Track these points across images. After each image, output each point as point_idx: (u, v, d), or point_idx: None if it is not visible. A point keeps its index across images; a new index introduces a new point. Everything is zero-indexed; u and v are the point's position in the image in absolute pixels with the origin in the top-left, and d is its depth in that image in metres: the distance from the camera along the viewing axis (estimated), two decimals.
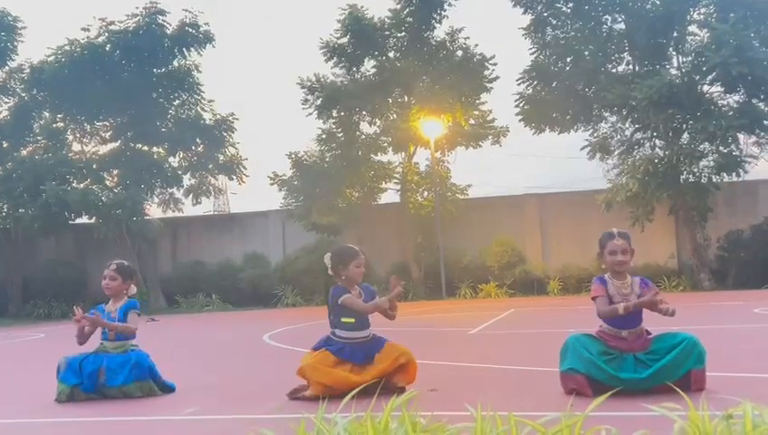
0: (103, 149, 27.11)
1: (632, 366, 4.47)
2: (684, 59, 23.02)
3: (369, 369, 5.01)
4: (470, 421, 2.68)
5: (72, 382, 5.32)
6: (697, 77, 22.18)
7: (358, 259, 5.26)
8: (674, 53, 23.42)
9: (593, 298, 4.65)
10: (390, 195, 26.40)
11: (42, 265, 25.88)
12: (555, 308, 15.74)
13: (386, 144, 25.45)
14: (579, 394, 4.38)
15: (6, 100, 26.50)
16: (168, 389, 5.54)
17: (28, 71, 25.70)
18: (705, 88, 22.48)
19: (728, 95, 22.16)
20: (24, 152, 26.32)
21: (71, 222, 24.77)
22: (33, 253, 26.36)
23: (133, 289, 5.72)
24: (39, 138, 26.62)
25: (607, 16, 24.16)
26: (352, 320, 5.09)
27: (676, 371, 4.43)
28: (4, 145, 26.12)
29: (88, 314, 5.46)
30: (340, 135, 25.58)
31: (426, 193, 25.99)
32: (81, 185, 25.25)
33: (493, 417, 2.63)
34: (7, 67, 26.10)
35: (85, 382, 5.31)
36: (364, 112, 25.82)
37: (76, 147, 27.18)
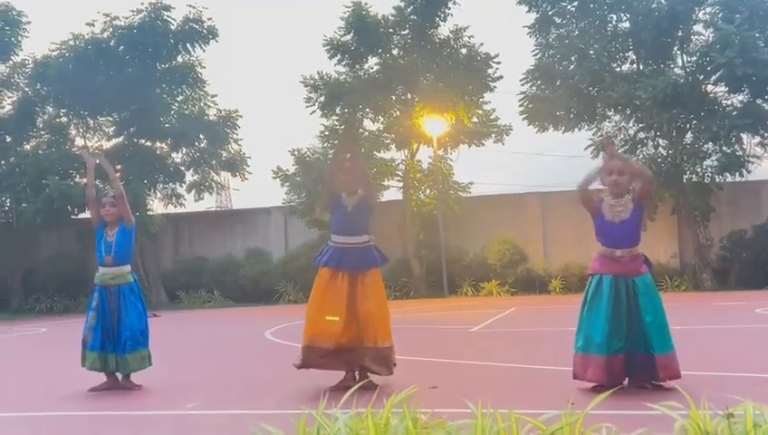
0: (106, 145, 27.05)
1: (626, 317, 4.60)
2: (688, 59, 22.91)
3: (355, 299, 5.20)
4: (470, 418, 2.68)
5: (98, 349, 5.72)
6: (702, 77, 22.09)
7: (343, 168, 5.61)
8: (678, 52, 23.30)
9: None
10: (393, 192, 26.36)
11: (44, 260, 25.87)
12: (556, 307, 15.73)
13: (389, 141, 25.40)
14: (590, 390, 4.40)
15: (10, 94, 26.42)
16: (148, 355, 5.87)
17: (32, 66, 25.61)
18: (710, 88, 22.37)
19: (732, 95, 22.06)
20: (28, 147, 26.24)
21: (73, 217, 24.69)
22: (35, 247, 26.34)
23: None
24: (42, 132, 26.55)
25: (612, 15, 24.04)
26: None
27: (646, 342, 4.59)
28: (8, 139, 26.08)
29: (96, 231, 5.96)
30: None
31: (428, 191, 25.92)
32: (84, 180, 25.21)
33: (493, 414, 2.63)
34: (11, 62, 26.02)
35: (108, 345, 5.72)
36: (367, 109, 25.76)
37: (79, 142, 27.12)
